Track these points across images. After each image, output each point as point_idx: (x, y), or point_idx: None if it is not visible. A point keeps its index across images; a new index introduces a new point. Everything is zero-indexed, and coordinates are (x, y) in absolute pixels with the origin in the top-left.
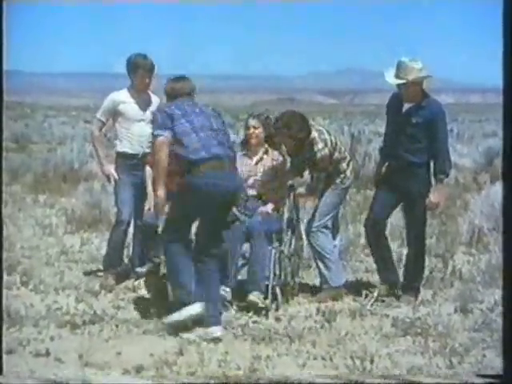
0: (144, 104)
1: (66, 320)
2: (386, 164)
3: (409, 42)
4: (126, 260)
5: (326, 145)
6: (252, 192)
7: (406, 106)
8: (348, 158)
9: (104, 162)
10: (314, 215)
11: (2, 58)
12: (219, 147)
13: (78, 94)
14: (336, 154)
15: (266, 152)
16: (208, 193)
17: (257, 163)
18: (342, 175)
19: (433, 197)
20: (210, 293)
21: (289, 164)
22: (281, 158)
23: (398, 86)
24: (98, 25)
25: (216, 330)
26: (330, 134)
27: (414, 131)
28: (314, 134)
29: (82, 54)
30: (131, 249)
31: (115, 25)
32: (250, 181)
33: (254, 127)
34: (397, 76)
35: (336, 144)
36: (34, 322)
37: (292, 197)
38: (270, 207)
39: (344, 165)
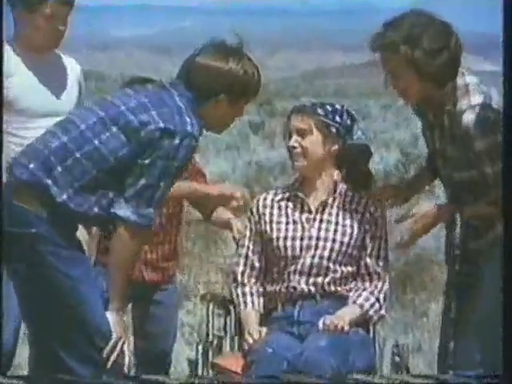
0: (52, 77)
1: None
2: None
3: None
4: None
5: (487, 106)
6: (304, 285)
7: None
8: None
9: None
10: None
11: None
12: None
13: None
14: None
15: (335, 186)
16: None
17: (318, 212)
18: None
19: None
20: None
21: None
22: (377, 203)
23: None
24: None
25: None
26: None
27: None
28: (471, 78)
29: None
30: None
31: None
32: (307, 257)
33: (301, 132)
34: None
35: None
36: None
37: None
38: (348, 316)
39: None
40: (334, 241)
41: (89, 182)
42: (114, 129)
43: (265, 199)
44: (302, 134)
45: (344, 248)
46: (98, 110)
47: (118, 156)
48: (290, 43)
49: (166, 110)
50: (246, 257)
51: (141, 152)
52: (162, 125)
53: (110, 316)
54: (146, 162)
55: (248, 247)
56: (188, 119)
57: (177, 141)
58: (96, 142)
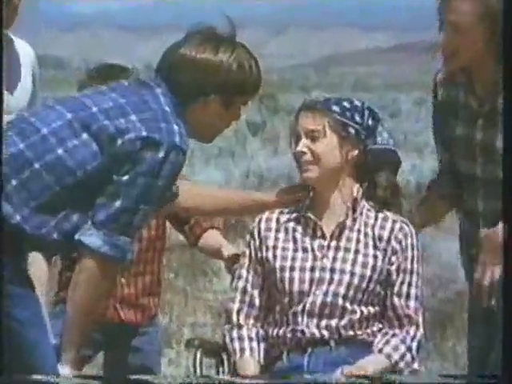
0: (3, 67)
1: None
2: None
3: None
4: None
5: None
6: (315, 329)
7: None
8: None
9: None
10: None
11: None
12: None
13: None
14: None
15: (355, 204)
16: None
17: (334, 238)
18: None
19: None
20: None
21: None
22: (406, 228)
23: None
24: None
25: None
26: None
27: None
28: None
29: None
30: None
31: None
32: (319, 294)
33: (311, 134)
34: None
35: None
36: None
37: None
38: (371, 366)
39: None
40: (352, 274)
41: (49, 200)
42: (85, 135)
43: (268, 220)
44: (312, 136)
45: (365, 283)
46: (63, 110)
47: (87, 169)
48: (299, 22)
49: (149, 115)
50: (244, 291)
51: (116, 166)
52: (144, 133)
53: (63, 370)
54: (124, 179)
55: (246, 279)
56: (176, 127)
57: (162, 154)
58: (60, 150)
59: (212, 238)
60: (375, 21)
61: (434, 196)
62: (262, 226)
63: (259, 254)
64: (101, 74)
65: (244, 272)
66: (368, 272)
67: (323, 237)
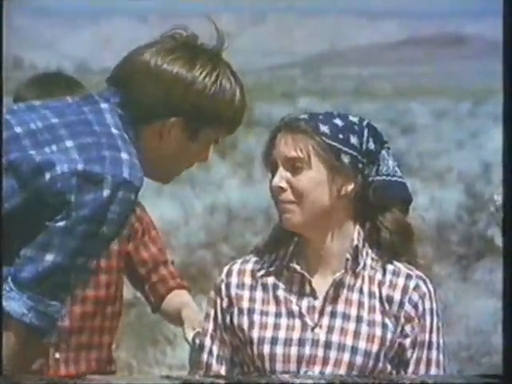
0: None
1: None
2: None
3: None
4: None
5: None
6: None
7: None
8: None
9: None
10: None
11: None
12: None
13: None
14: None
15: (356, 254)
16: None
17: (328, 299)
18: None
19: None
20: None
21: None
22: (423, 287)
23: None
24: None
25: None
26: None
27: None
28: None
29: None
30: None
31: None
32: (309, 378)
33: (292, 164)
34: None
35: None
36: None
37: None
38: None
39: None
40: (354, 350)
41: None
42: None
43: (240, 273)
44: (293, 166)
45: (371, 363)
46: None
47: (5, 208)
48: (282, 8)
49: (90, 141)
50: (207, 367)
51: (46, 208)
52: (80, 166)
53: None
54: (58, 225)
55: (210, 352)
56: (124, 156)
57: (106, 192)
58: None
59: (180, 300)
60: (382, 7)
61: None
62: (233, 280)
63: (228, 319)
64: (43, 84)
65: (207, 341)
66: (375, 347)
67: (313, 296)
